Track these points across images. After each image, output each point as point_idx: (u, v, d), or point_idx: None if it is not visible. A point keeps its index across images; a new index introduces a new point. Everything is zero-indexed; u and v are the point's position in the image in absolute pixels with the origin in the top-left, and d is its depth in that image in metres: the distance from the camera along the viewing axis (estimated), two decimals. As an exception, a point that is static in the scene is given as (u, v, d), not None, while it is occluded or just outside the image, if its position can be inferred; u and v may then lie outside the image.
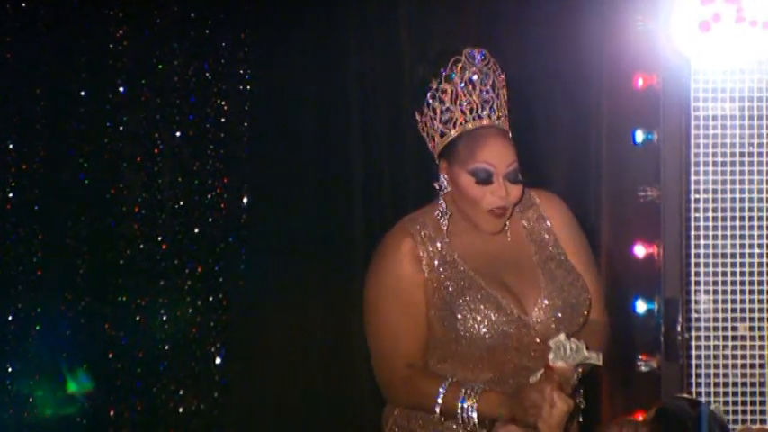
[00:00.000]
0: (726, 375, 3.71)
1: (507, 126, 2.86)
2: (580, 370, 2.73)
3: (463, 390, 2.71)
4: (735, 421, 3.68)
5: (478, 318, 2.74)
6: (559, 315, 2.81)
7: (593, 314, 2.92)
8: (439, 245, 2.81)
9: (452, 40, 4.53)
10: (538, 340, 2.78)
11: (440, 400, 2.72)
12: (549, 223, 2.94)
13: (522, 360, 2.78)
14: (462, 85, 2.77)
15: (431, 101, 2.78)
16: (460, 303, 2.75)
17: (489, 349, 2.76)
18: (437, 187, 2.83)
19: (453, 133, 2.78)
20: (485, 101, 2.79)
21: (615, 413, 4.41)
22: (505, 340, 2.75)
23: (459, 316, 2.74)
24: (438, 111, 2.78)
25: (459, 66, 2.77)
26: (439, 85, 2.77)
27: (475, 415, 2.70)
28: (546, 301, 2.80)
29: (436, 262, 2.79)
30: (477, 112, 2.78)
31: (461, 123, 2.77)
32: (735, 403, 3.69)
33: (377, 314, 2.81)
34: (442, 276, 2.78)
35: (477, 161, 2.76)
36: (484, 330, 2.74)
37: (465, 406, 2.70)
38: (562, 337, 2.68)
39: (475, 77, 2.78)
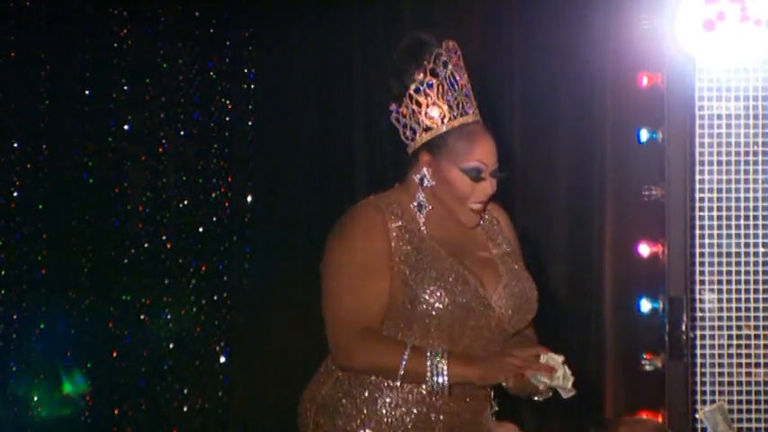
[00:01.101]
0: (731, 374, 3.71)
1: None
2: (550, 394, 2.74)
3: (429, 350, 2.70)
4: (740, 420, 3.67)
5: (445, 290, 2.75)
6: (518, 303, 2.84)
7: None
8: (407, 221, 2.81)
9: (456, 39, 4.53)
10: (493, 325, 2.80)
11: (404, 361, 2.69)
12: (500, 225, 2.98)
13: (473, 344, 2.79)
14: (447, 79, 2.78)
15: (414, 93, 2.77)
16: (427, 275, 2.75)
17: (449, 324, 2.76)
18: (416, 180, 2.83)
19: (442, 128, 2.78)
20: (466, 96, 2.81)
21: (619, 412, 4.41)
22: (467, 317, 2.76)
23: (426, 286, 2.75)
24: (424, 104, 2.78)
25: (443, 59, 2.78)
26: (424, 78, 2.77)
27: (445, 375, 2.67)
28: (506, 289, 2.83)
29: (407, 235, 2.79)
30: (463, 107, 2.79)
31: (450, 119, 2.78)
32: (740, 402, 3.69)
33: (340, 278, 2.77)
34: (410, 247, 2.78)
35: (472, 159, 2.78)
36: (448, 302, 2.74)
37: (435, 364, 2.67)
38: (560, 359, 2.70)
39: (456, 72, 2.80)
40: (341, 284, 2.77)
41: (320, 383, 2.89)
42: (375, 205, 2.83)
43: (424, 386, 2.74)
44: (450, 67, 2.78)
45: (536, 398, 2.72)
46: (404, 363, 2.69)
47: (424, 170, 2.82)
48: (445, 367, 2.67)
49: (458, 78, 2.79)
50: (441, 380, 2.68)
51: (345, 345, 2.76)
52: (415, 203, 2.83)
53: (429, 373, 2.68)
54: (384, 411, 2.78)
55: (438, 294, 2.75)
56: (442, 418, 2.80)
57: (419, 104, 2.78)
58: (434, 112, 2.78)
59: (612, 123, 4.52)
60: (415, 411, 2.79)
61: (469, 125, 2.80)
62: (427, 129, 2.79)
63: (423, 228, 2.81)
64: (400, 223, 2.80)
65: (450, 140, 2.78)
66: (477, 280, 2.80)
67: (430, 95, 2.77)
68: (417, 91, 2.77)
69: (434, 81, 2.77)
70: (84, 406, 4.87)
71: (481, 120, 2.84)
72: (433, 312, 2.75)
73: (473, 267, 2.82)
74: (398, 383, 2.77)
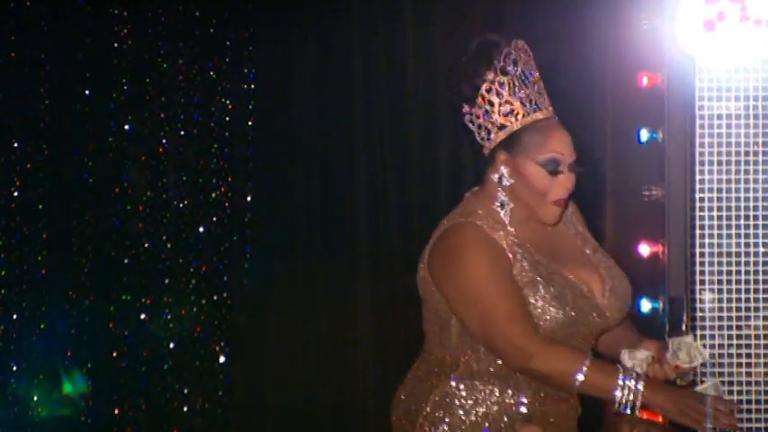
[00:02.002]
0: (731, 374, 3.70)
1: None
2: (691, 376, 2.78)
3: (621, 368, 2.69)
4: (740, 420, 3.67)
5: (563, 305, 2.75)
6: (620, 304, 2.87)
7: None
8: (507, 234, 2.80)
9: (456, 39, 4.53)
10: (601, 328, 2.84)
11: (585, 367, 2.66)
12: (577, 218, 3.02)
13: (570, 342, 2.79)
14: (519, 77, 2.79)
15: (486, 93, 2.77)
16: (548, 292, 2.75)
17: (566, 337, 2.76)
18: (495, 180, 2.83)
19: (516, 126, 2.78)
20: (538, 92, 2.82)
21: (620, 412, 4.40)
22: (585, 328, 2.79)
23: (544, 303, 2.74)
24: (497, 103, 2.77)
25: (512, 58, 2.78)
26: (495, 77, 2.77)
27: (639, 397, 2.66)
28: (611, 292, 2.86)
29: (516, 248, 2.78)
30: (535, 103, 2.80)
31: (524, 115, 2.78)
32: (740, 402, 3.68)
33: (486, 289, 2.73)
34: (526, 264, 2.77)
35: (548, 151, 2.78)
36: (563, 317, 2.74)
37: (630, 385, 2.66)
38: (689, 338, 2.75)
39: (526, 70, 2.81)
40: (490, 294, 2.73)
41: (423, 394, 2.86)
42: (472, 224, 2.79)
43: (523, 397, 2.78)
44: (520, 64, 2.79)
45: (679, 381, 2.77)
46: (584, 369, 2.67)
47: (502, 169, 2.81)
48: (641, 388, 2.66)
49: (528, 75, 2.80)
50: (633, 399, 2.67)
51: (525, 345, 2.71)
52: (497, 203, 2.82)
53: (619, 391, 2.66)
54: (487, 423, 2.79)
55: (559, 313, 2.75)
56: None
57: (492, 104, 2.78)
58: (508, 110, 2.78)
59: (612, 123, 4.52)
60: (509, 422, 2.80)
61: (543, 120, 2.81)
62: (502, 127, 2.79)
63: (511, 229, 2.79)
64: (502, 240, 2.78)
65: (524, 136, 2.78)
66: (589, 290, 2.81)
67: (502, 94, 2.77)
68: (489, 90, 2.78)
69: (505, 79, 2.77)
70: (84, 406, 4.88)
71: (555, 115, 2.85)
72: (549, 331, 2.75)
73: (580, 275, 2.83)
74: (525, 397, 2.79)
